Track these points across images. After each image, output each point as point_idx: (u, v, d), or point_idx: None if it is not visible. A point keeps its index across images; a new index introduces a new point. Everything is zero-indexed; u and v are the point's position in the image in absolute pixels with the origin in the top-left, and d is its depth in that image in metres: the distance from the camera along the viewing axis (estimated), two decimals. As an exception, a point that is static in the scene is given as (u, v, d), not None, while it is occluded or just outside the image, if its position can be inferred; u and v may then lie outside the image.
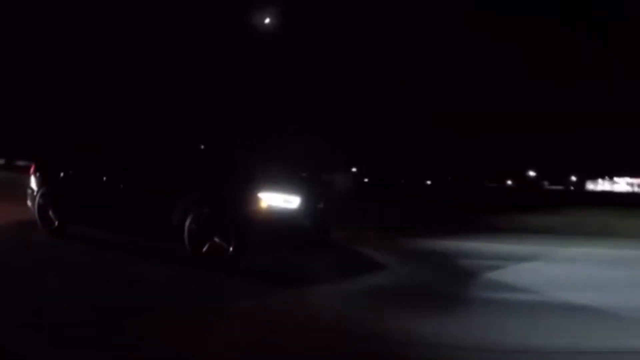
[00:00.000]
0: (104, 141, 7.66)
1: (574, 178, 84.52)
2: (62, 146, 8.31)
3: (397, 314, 4.59)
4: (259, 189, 6.01)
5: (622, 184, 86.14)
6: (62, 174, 7.40)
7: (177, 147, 7.11)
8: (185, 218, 6.09)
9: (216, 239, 5.93)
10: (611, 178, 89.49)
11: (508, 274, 6.36)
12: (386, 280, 5.91)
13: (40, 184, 7.56)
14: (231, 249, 5.87)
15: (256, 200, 5.95)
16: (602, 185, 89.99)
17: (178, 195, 6.30)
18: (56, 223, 7.27)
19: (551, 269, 6.88)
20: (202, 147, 7.42)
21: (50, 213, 7.31)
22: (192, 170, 6.65)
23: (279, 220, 5.98)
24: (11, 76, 25.04)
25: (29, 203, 7.70)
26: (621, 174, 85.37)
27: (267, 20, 22.69)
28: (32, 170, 7.83)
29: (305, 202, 6.27)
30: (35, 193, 7.53)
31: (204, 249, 5.98)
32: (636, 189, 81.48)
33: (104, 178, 6.96)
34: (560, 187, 78.57)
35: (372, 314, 4.57)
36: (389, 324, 4.32)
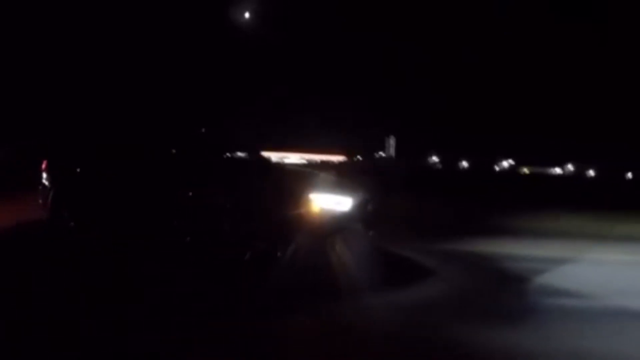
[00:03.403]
0: (135, 140, 7.07)
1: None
2: (80, 141, 7.49)
3: (460, 324, 4.47)
4: (310, 190, 5.67)
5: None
6: (81, 172, 6.82)
7: (222, 148, 6.69)
8: (230, 222, 5.74)
9: (264, 245, 5.61)
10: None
11: (555, 278, 6.25)
12: (439, 288, 5.71)
13: (54, 181, 6.98)
14: (279, 254, 5.52)
15: (307, 202, 5.63)
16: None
17: (226, 200, 5.91)
18: (72, 224, 6.71)
19: (594, 273, 6.74)
20: (248, 146, 6.90)
21: (66, 213, 6.76)
22: (239, 171, 6.27)
23: (331, 225, 5.65)
24: (15, 71, 24.97)
25: (40, 201, 7.14)
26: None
27: (247, 15, 22.57)
28: (44, 166, 7.25)
29: (357, 203, 5.93)
30: (48, 191, 6.98)
31: (251, 255, 5.62)
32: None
33: (136, 180, 6.48)
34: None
35: (433, 325, 4.44)
36: (455, 334, 4.22)
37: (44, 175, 7.13)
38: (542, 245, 8.43)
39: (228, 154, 6.65)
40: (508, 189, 21.03)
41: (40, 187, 7.13)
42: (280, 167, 7.00)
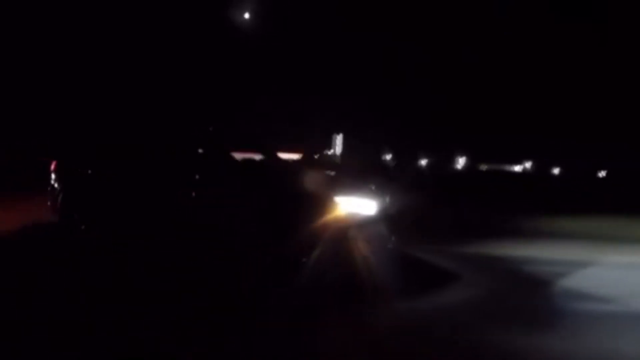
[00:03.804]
0: (150, 140, 6.81)
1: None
2: (91, 141, 7.21)
3: (494, 328, 4.43)
4: (335, 192, 5.54)
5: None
6: (93, 173, 6.59)
7: (246, 150, 6.57)
8: (250, 225, 5.56)
9: (288, 250, 5.44)
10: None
11: (579, 282, 6.21)
12: (466, 292, 5.63)
13: (64, 182, 6.73)
14: (304, 258, 5.38)
15: (332, 205, 5.47)
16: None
17: (245, 202, 5.73)
18: (83, 227, 6.48)
19: (614, 275, 6.72)
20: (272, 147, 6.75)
21: (77, 216, 6.53)
22: (260, 172, 6.08)
23: (356, 228, 5.52)
24: (15, 71, 24.94)
25: (49, 203, 6.91)
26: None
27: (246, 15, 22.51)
28: (53, 167, 7.00)
29: (381, 206, 5.82)
30: (58, 192, 6.73)
31: (276, 260, 5.43)
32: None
33: (153, 182, 6.26)
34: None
35: (468, 330, 4.38)
36: (490, 339, 4.19)
37: (53, 176, 6.88)
38: (557, 247, 8.39)
39: (246, 155, 6.52)
40: (504, 189, 20.92)
41: (48, 189, 6.89)
42: (303, 169, 6.85)
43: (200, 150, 6.45)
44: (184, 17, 25.85)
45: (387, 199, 6.32)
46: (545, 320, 4.79)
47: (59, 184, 6.79)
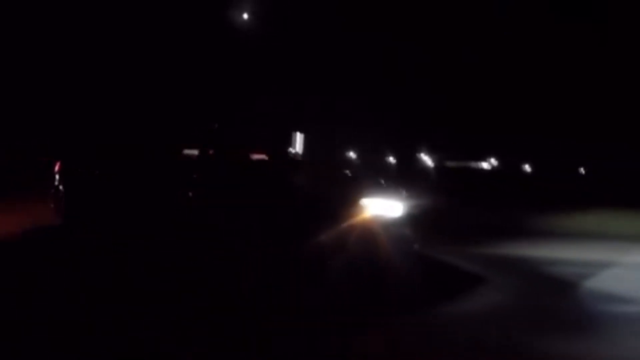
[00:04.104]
0: (163, 140, 6.57)
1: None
2: (99, 141, 6.97)
3: (527, 335, 4.30)
4: (362, 194, 5.36)
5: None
6: (99, 174, 6.35)
7: (269, 152, 6.35)
8: (272, 227, 5.42)
9: (314, 253, 5.29)
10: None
11: (607, 283, 6.12)
12: (494, 297, 5.48)
13: (69, 184, 6.50)
14: (331, 262, 5.25)
15: (359, 207, 5.33)
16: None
17: (268, 203, 5.56)
18: (90, 230, 6.21)
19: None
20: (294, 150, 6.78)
21: (82, 219, 6.30)
22: (285, 173, 5.93)
23: (384, 232, 5.36)
24: (15, 70, 24.91)
25: (52, 205, 6.72)
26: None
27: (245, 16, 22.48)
28: (57, 168, 6.74)
29: (407, 208, 5.65)
30: (62, 194, 6.49)
31: (300, 266, 5.26)
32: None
33: (168, 183, 6.02)
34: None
35: (506, 335, 4.27)
36: (531, 344, 4.09)
37: (57, 177, 6.65)
38: (579, 248, 8.33)
39: (269, 155, 6.32)
40: (503, 188, 20.83)
41: (52, 191, 6.68)
42: (329, 169, 6.75)
43: (210, 151, 6.29)
44: (184, 17, 25.83)
45: (411, 199, 6.17)
46: (578, 324, 4.68)
47: (63, 186, 6.55)
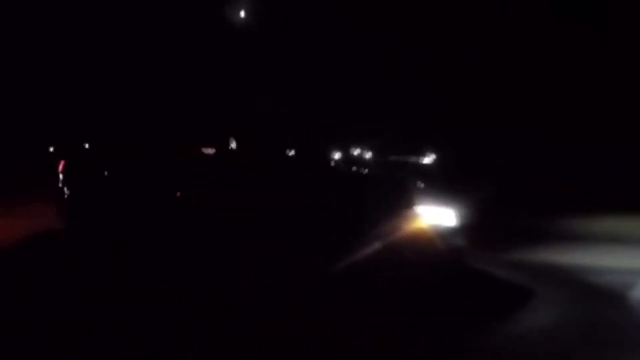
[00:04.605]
0: (182, 140, 6.21)
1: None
2: (109, 139, 6.57)
3: (587, 352, 4.19)
4: (416, 201, 5.07)
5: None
6: (109, 174, 5.92)
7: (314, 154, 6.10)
8: (316, 232, 5.11)
9: (365, 264, 4.99)
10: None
11: None
12: (548, 311, 5.26)
13: (75, 185, 6.07)
14: (386, 273, 4.92)
15: (413, 217, 5.05)
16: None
17: (313, 207, 5.26)
18: (98, 237, 5.72)
19: None
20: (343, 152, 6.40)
21: (88, 222, 5.85)
22: (333, 177, 5.67)
23: (438, 241, 5.09)
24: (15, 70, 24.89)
25: (55, 208, 6.34)
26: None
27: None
28: (61, 167, 6.32)
29: (458, 215, 5.34)
30: (67, 197, 6.08)
31: (346, 271, 4.99)
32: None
33: (188, 185, 5.57)
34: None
35: (561, 354, 4.16)
36: None
37: (61, 177, 6.23)
38: (611, 254, 7.95)
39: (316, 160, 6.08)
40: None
41: (55, 192, 6.27)
42: (379, 174, 6.33)
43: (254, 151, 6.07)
44: (184, 17, 25.82)
45: (462, 207, 5.82)
46: (636, 339, 4.54)
47: (68, 188, 6.13)
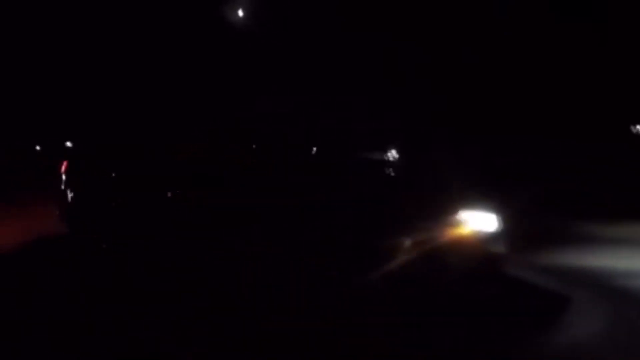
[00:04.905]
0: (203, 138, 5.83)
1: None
2: (117, 138, 6.14)
3: None
4: (459, 206, 4.81)
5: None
6: (116, 175, 5.59)
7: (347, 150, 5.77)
8: (355, 234, 4.84)
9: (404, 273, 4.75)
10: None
11: None
12: (594, 321, 4.90)
13: (78, 187, 5.72)
14: (429, 280, 4.67)
15: (456, 222, 4.78)
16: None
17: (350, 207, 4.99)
18: (104, 245, 5.44)
19: None
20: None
21: (95, 228, 5.54)
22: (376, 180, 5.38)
23: (482, 248, 4.78)
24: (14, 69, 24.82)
25: (57, 212, 6.02)
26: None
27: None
28: (63, 168, 5.93)
29: (501, 220, 4.96)
30: (70, 199, 5.75)
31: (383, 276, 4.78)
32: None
33: (207, 187, 5.29)
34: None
35: None
36: None
37: (63, 178, 5.86)
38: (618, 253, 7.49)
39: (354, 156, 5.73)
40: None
41: (57, 195, 5.92)
42: (419, 176, 5.98)
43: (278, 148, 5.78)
44: (183, 17, 25.81)
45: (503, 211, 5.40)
46: None
47: (71, 190, 5.78)
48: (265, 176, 5.42)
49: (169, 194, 5.37)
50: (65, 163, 5.98)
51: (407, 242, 4.84)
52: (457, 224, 4.74)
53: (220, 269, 5.35)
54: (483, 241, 4.80)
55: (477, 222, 4.80)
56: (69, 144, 6.87)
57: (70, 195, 5.75)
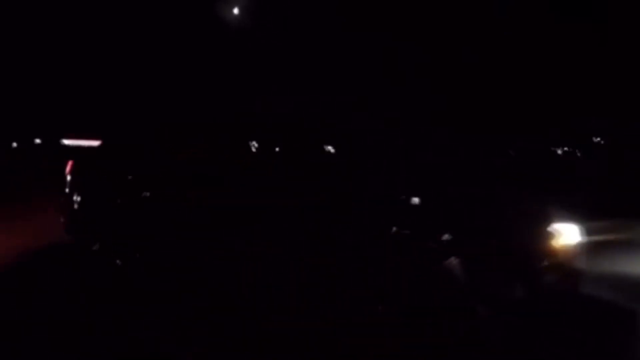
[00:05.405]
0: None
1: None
2: (129, 131, 5.69)
3: None
4: (552, 218, 4.30)
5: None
6: (132, 177, 5.00)
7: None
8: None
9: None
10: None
11: None
12: None
13: (86, 190, 5.11)
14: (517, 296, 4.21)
15: (549, 234, 4.26)
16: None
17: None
18: (118, 261, 4.89)
19: None
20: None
21: (106, 238, 4.99)
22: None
23: (573, 264, 4.32)
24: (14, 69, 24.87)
25: (61, 219, 5.51)
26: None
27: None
28: (69, 168, 5.34)
29: (582, 232, 4.48)
30: (75, 203, 5.17)
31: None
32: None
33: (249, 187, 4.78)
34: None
35: None
36: None
37: (69, 180, 5.27)
38: None
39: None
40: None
41: (61, 199, 5.35)
42: (508, 181, 5.50)
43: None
44: (183, 17, 25.88)
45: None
46: None
47: (77, 193, 5.19)
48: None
49: (177, 194, 4.93)
50: (70, 163, 5.42)
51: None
52: (551, 236, 4.29)
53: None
54: (569, 254, 4.37)
55: (566, 234, 4.38)
56: (66, 141, 6.58)
57: (75, 199, 5.11)
